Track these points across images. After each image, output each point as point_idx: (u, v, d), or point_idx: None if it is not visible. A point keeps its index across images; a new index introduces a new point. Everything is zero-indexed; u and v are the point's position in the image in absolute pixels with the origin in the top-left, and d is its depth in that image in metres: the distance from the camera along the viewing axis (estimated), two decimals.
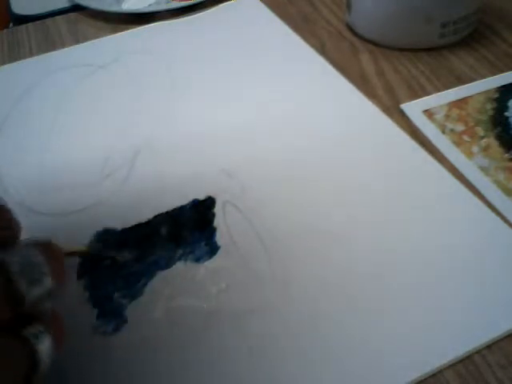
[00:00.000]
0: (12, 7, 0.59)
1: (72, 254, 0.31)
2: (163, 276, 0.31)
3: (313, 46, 0.47)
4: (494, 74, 0.43)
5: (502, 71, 0.43)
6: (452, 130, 0.38)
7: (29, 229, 0.35)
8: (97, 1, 0.56)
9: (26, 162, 0.39)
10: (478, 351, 0.27)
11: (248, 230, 0.33)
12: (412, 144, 0.37)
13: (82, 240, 0.33)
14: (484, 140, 0.37)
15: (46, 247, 0.23)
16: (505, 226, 0.32)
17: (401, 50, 0.46)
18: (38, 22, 0.56)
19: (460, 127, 0.38)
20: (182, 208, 0.34)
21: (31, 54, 0.51)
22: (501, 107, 0.40)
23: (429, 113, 0.40)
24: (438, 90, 0.42)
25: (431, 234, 0.32)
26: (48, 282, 0.22)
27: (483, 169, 0.35)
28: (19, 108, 0.44)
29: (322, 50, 0.47)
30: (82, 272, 0.31)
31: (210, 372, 0.27)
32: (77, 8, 0.57)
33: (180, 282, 0.31)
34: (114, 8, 0.55)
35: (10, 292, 0.21)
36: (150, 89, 0.44)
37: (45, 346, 0.22)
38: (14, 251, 0.22)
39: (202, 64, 0.46)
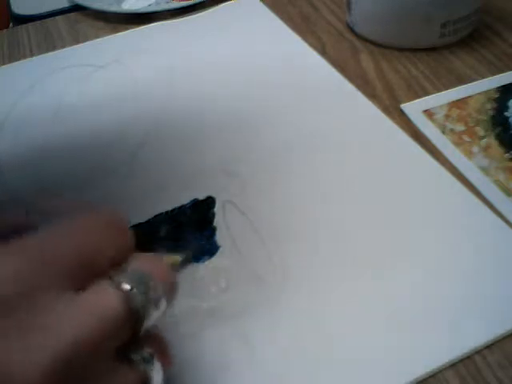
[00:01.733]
0: (12, 7, 0.59)
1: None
2: None
3: (313, 46, 0.47)
4: (493, 74, 0.43)
5: (502, 71, 0.43)
6: (452, 130, 0.38)
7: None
8: (97, 1, 0.56)
9: (27, 161, 0.39)
10: (478, 351, 0.27)
11: (248, 230, 0.33)
12: (412, 144, 0.37)
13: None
14: (484, 140, 0.37)
15: (156, 264, 0.22)
16: (505, 225, 0.32)
17: (401, 50, 0.46)
18: (38, 22, 0.56)
19: (460, 127, 0.38)
20: (181, 207, 0.34)
21: (31, 54, 0.51)
22: (501, 107, 0.40)
23: (429, 113, 0.40)
24: (438, 90, 0.42)
25: (431, 233, 0.32)
26: (164, 304, 0.22)
27: (483, 169, 0.35)
28: (19, 108, 0.44)
29: (322, 49, 0.47)
30: None
31: (210, 372, 0.27)
32: (77, 8, 0.57)
33: (180, 282, 0.31)
34: (113, 8, 0.55)
35: (132, 312, 0.20)
36: (150, 89, 0.44)
37: (157, 372, 0.21)
38: (128, 272, 0.21)
39: (202, 64, 0.46)
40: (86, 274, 0.21)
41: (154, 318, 0.21)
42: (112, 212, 0.23)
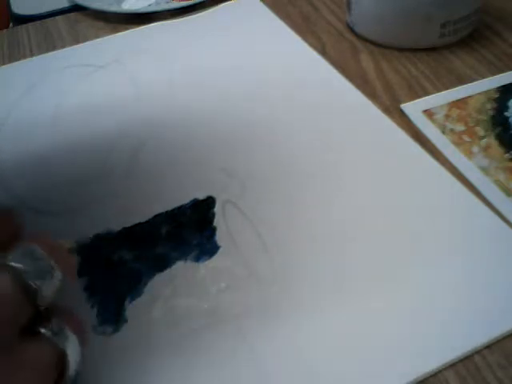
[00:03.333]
0: (12, 7, 0.59)
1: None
2: (163, 276, 0.31)
3: (313, 46, 0.47)
4: (494, 74, 0.43)
5: (502, 71, 0.43)
6: (452, 130, 0.38)
7: (28, 227, 0.35)
8: (97, 1, 0.56)
9: (27, 162, 0.39)
10: (478, 351, 0.27)
11: (248, 230, 0.33)
12: (412, 144, 0.37)
13: (81, 240, 0.33)
14: (484, 140, 0.37)
15: (43, 242, 0.22)
16: (505, 225, 0.32)
17: (401, 50, 0.46)
18: (38, 22, 0.56)
19: (460, 127, 0.38)
20: (181, 207, 0.34)
21: (31, 54, 0.51)
22: (501, 107, 0.40)
23: (429, 113, 0.40)
24: (438, 90, 0.42)
25: (431, 233, 0.32)
26: (59, 274, 0.22)
27: (483, 169, 0.35)
28: (19, 108, 0.44)
29: (322, 49, 0.47)
30: (81, 272, 0.31)
31: (210, 372, 0.27)
32: (77, 8, 0.57)
33: (180, 282, 0.31)
34: (113, 8, 0.55)
35: (25, 289, 0.21)
36: (150, 89, 0.44)
37: (72, 344, 0.21)
38: (16, 252, 0.22)
39: (202, 64, 0.46)
40: None
41: (50, 289, 0.21)
42: None
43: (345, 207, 0.34)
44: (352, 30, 0.49)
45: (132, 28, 0.53)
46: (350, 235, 0.32)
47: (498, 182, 0.34)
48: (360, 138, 0.38)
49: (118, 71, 0.47)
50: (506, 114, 0.39)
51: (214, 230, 0.33)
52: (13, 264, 0.21)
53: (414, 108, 0.40)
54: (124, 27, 0.53)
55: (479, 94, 0.41)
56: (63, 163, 0.39)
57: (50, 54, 0.51)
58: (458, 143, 0.37)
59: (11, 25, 0.60)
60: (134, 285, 0.31)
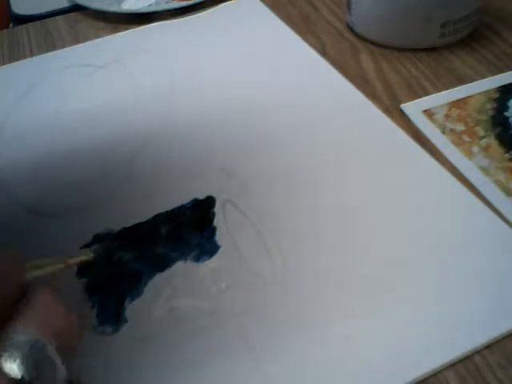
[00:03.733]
0: (12, 7, 0.59)
1: (80, 263, 0.29)
2: (163, 276, 0.31)
3: (313, 46, 0.47)
4: (494, 74, 0.43)
5: (502, 71, 0.43)
6: (452, 130, 0.38)
7: (28, 229, 0.35)
8: (97, 1, 0.56)
9: (26, 162, 0.39)
10: (478, 351, 0.27)
11: (248, 230, 0.33)
12: (412, 144, 0.37)
13: (81, 240, 0.33)
14: (484, 140, 0.37)
15: (49, 316, 0.19)
16: (505, 225, 0.32)
17: (401, 50, 0.46)
18: (38, 22, 0.56)
19: (460, 127, 0.38)
20: (181, 207, 0.34)
21: (31, 54, 0.51)
22: (501, 107, 0.40)
23: (429, 113, 0.40)
24: (438, 90, 0.42)
25: (431, 233, 0.32)
26: (62, 370, 0.19)
27: (483, 169, 0.35)
28: (19, 108, 0.44)
29: (322, 50, 0.47)
30: (82, 272, 0.31)
31: (210, 372, 0.27)
32: (77, 8, 0.57)
33: (180, 282, 0.31)
34: (113, 8, 0.55)
35: None
36: (150, 89, 0.44)
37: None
38: (18, 339, 0.18)
39: (202, 64, 0.46)
40: None
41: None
42: None
43: (345, 207, 0.34)
44: (352, 30, 0.49)
45: (132, 28, 0.53)
46: (350, 235, 0.32)
47: (497, 182, 0.34)
48: (360, 138, 0.38)
49: (118, 71, 0.47)
50: (506, 114, 0.39)
51: (214, 229, 0.33)
52: (9, 373, 0.17)
53: (414, 108, 0.40)
54: (124, 27, 0.53)
55: (479, 93, 0.41)
56: (63, 164, 0.39)
57: (50, 53, 0.51)
58: (458, 143, 0.37)
59: (11, 25, 0.60)
60: (134, 285, 0.31)
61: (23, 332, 0.18)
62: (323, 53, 0.47)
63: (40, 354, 0.18)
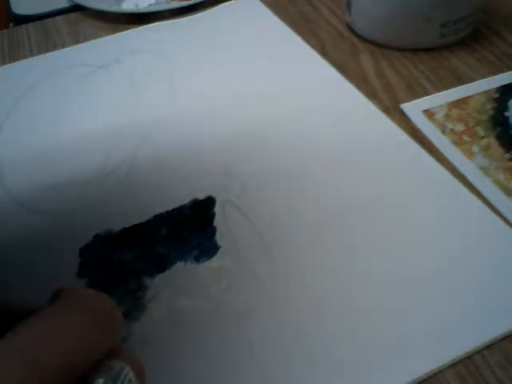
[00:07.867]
0: (12, 7, 0.59)
1: None
2: (163, 276, 0.31)
3: (313, 46, 0.47)
4: (493, 74, 0.43)
5: (502, 71, 0.43)
6: (452, 130, 0.38)
7: (28, 228, 0.35)
8: (97, 1, 0.56)
9: (27, 162, 0.39)
10: (478, 351, 0.27)
11: (248, 230, 0.33)
12: (412, 144, 0.37)
13: (81, 240, 0.33)
14: (484, 140, 0.37)
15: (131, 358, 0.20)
16: (505, 225, 0.32)
17: (401, 50, 0.46)
18: (38, 22, 0.56)
19: (460, 127, 0.38)
20: (181, 208, 0.34)
21: (31, 54, 0.51)
22: (501, 107, 0.40)
23: (429, 113, 0.40)
24: (438, 90, 0.42)
25: (431, 233, 0.32)
26: None
27: (483, 169, 0.35)
28: (19, 108, 0.44)
29: (322, 50, 0.47)
30: (82, 272, 0.31)
31: (210, 372, 0.27)
32: (77, 8, 0.57)
33: (180, 282, 0.31)
34: (113, 8, 0.55)
35: None
36: (150, 89, 0.44)
37: None
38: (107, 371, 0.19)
39: (202, 64, 0.46)
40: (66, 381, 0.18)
41: None
42: (100, 299, 0.20)
43: (345, 207, 0.34)
44: (352, 30, 0.49)
45: (132, 28, 0.53)
46: (350, 235, 0.32)
47: (497, 182, 0.34)
48: (360, 138, 0.38)
49: (118, 71, 0.47)
50: (506, 114, 0.39)
51: (214, 229, 0.33)
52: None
53: (413, 108, 0.40)
54: (124, 27, 0.53)
55: (479, 94, 0.41)
56: (63, 163, 0.39)
57: (50, 53, 0.51)
58: (457, 143, 0.37)
59: (11, 25, 0.60)
60: (134, 285, 0.31)
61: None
62: (323, 53, 0.47)
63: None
